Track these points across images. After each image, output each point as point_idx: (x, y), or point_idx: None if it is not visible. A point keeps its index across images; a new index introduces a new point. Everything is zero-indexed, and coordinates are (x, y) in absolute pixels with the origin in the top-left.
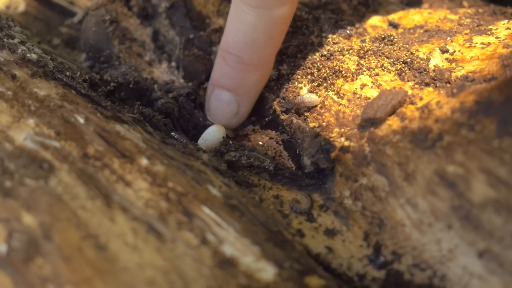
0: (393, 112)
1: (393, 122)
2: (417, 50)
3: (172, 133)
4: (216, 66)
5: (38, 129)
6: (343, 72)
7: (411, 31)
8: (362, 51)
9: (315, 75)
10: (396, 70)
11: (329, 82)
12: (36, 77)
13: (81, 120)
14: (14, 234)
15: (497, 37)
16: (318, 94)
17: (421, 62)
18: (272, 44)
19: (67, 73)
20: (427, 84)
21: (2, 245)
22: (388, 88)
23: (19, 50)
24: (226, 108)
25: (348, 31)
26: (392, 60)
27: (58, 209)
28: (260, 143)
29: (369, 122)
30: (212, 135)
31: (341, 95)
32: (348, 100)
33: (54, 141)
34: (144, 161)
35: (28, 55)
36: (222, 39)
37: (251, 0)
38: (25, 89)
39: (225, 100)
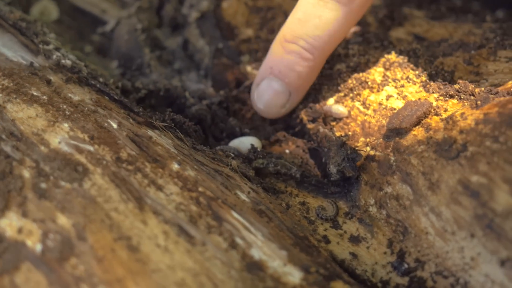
0: (418, 122)
1: (418, 133)
2: (441, 63)
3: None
4: (273, 55)
5: (73, 133)
6: (369, 83)
7: (436, 44)
8: (388, 63)
9: (342, 85)
10: (421, 82)
11: (355, 92)
12: (71, 82)
13: (114, 125)
14: (49, 234)
15: None
16: (345, 104)
17: (446, 74)
18: (338, 39)
19: (100, 80)
20: (451, 96)
21: (38, 245)
22: (413, 99)
23: (54, 56)
24: (277, 98)
25: (375, 44)
26: (417, 72)
27: (92, 211)
28: (287, 151)
29: (394, 132)
30: (247, 143)
31: (367, 105)
32: (374, 110)
33: (88, 145)
34: (175, 166)
35: (63, 61)
36: (285, 29)
37: None
38: (59, 94)
39: (277, 90)
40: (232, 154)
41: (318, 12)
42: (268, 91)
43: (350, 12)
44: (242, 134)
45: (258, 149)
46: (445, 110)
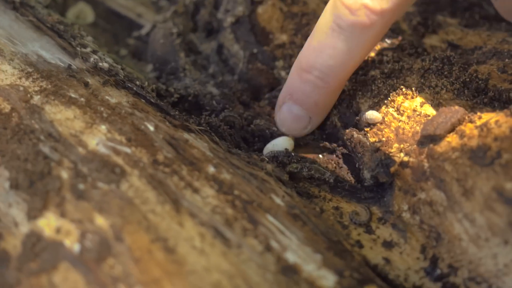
0: (452, 129)
1: (452, 140)
2: (475, 71)
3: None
4: (292, 82)
5: (110, 135)
6: (403, 89)
7: (470, 52)
8: (422, 70)
9: (376, 91)
10: (455, 89)
11: (389, 98)
12: (108, 85)
13: (151, 128)
14: (87, 234)
15: None
16: (379, 111)
17: (480, 82)
18: (354, 66)
19: (137, 83)
20: (485, 104)
21: (76, 245)
22: (447, 106)
23: (92, 59)
24: (298, 122)
25: (409, 51)
26: (451, 79)
27: (129, 212)
28: (321, 155)
29: (428, 139)
30: (281, 145)
31: (401, 112)
32: (408, 117)
33: (125, 147)
34: (211, 169)
35: (100, 64)
36: (302, 57)
37: (345, 22)
38: (97, 96)
39: (297, 114)
40: (266, 158)
41: (332, 43)
42: (290, 116)
43: (365, 41)
44: (272, 135)
45: (291, 152)
46: (479, 118)
